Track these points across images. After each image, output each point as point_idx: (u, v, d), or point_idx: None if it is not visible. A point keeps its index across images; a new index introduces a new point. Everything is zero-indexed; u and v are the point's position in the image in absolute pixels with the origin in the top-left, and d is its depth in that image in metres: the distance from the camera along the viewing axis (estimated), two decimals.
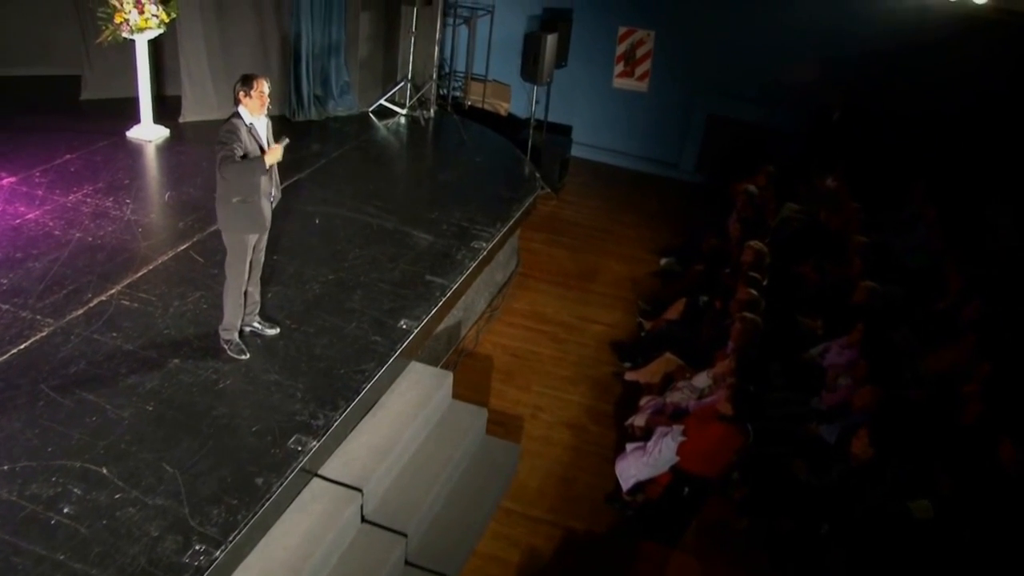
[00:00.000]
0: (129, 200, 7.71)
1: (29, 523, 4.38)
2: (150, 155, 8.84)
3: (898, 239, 8.60)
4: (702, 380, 6.38)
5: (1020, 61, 9.79)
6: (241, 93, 5.29)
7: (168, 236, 7.19)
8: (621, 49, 11.84)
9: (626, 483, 5.99)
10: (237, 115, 5.31)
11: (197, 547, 4.34)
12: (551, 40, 10.13)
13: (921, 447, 5.67)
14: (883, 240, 8.36)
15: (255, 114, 5.36)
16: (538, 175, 9.64)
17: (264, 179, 5.48)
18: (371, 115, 10.46)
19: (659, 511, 5.87)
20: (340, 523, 4.99)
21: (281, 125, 9.74)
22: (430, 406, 6.01)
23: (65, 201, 7.57)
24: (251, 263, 5.71)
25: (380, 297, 6.59)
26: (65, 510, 4.47)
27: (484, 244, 7.53)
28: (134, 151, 8.82)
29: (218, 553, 4.33)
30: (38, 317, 5.93)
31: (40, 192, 7.69)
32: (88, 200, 7.63)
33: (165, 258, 6.85)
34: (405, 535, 5.26)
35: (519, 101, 12.11)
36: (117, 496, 4.59)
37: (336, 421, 5.28)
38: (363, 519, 5.28)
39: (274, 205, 5.68)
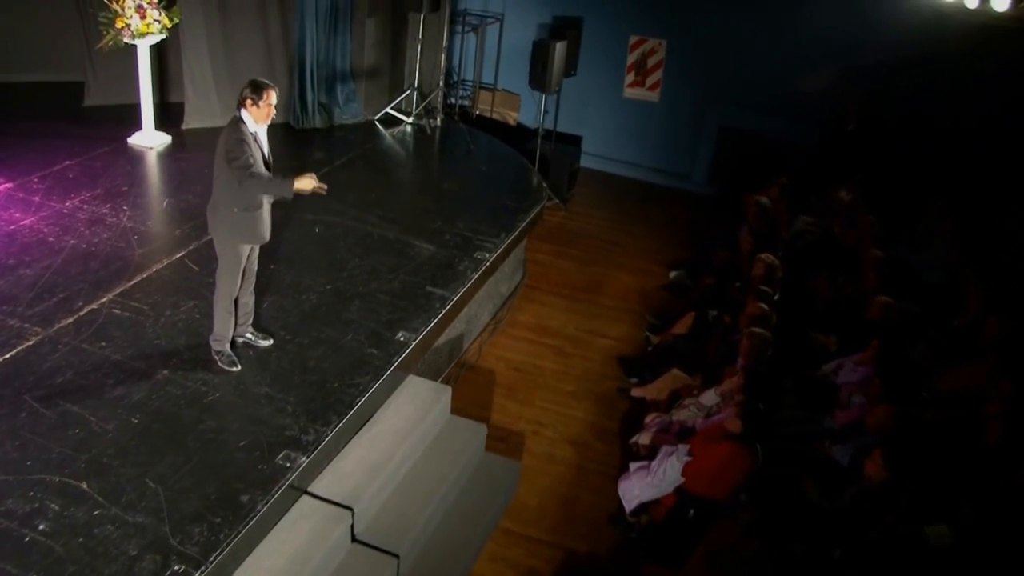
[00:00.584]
0: (126, 207, 7.58)
1: (2, 540, 4.21)
2: (151, 162, 8.72)
3: (915, 253, 8.33)
4: (710, 398, 6.15)
5: None
6: (248, 100, 5.11)
7: (164, 244, 7.05)
8: (632, 58, 11.66)
9: (629, 504, 5.76)
10: (241, 121, 5.13)
11: (176, 567, 4.16)
12: (560, 48, 9.96)
13: (939, 469, 5.42)
14: (899, 254, 8.09)
15: (259, 123, 5.19)
16: (545, 185, 9.46)
17: None
18: (377, 123, 10.31)
19: (663, 533, 5.63)
20: (329, 543, 4.79)
21: (285, 133, 9.65)
22: (427, 421, 5.81)
23: (61, 207, 7.45)
24: (244, 273, 5.54)
25: (378, 308, 6.40)
26: (41, 527, 4.29)
27: (487, 255, 7.35)
28: (134, 158, 8.70)
29: (198, 574, 4.14)
30: (26, 325, 5.79)
31: (37, 198, 7.57)
32: (85, 207, 7.51)
33: (160, 266, 6.70)
34: (397, 556, 5.05)
35: (528, 111, 11.93)
36: (96, 513, 4.41)
37: (327, 436, 5.09)
38: (353, 539, 5.07)
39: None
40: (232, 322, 5.61)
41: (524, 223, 8.14)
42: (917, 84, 9.97)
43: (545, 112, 10.80)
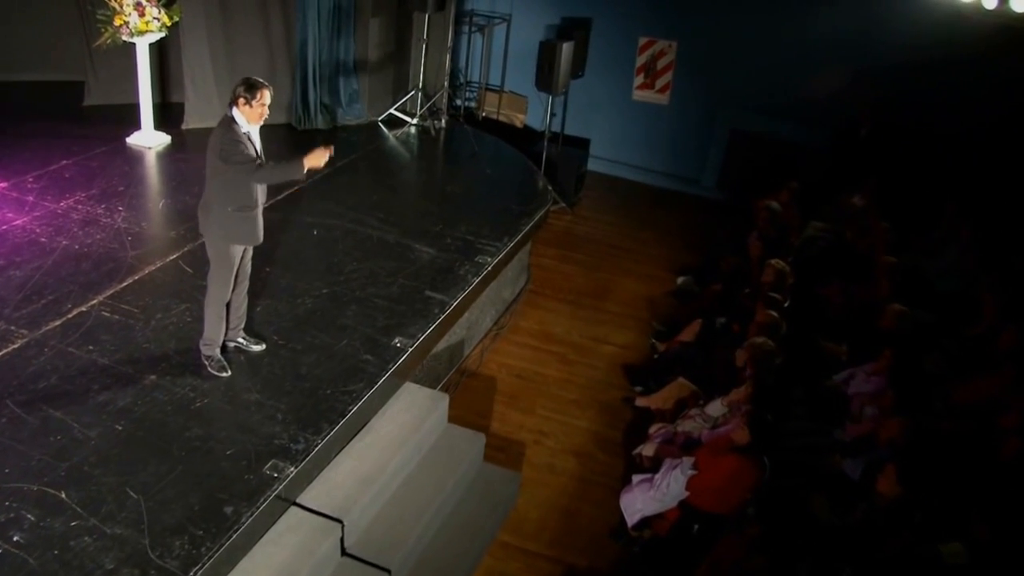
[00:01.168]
0: (122, 208, 7.43)
1: None
2: (149, 162, 8.58)
3: (929, 260, 8.13)
4: (716, 408, 5.94)
5: None
6: (241, 99, 4.95)
7: (158, 245, 6.89)
8: (641, 60, 11.47)
9: (631, 518, 5.55)
10: (234, 121, 4.97)
11: None
12: (567, 48, 9.78)
13: (953, 485, 5.21)
14: (913, 261, 7.89)
15: (251, 123, 5.04)
16: (551, 189, 9.27)
17: (260, 189, 5.17)
18: (380, 125, 10.15)
19: (667, 549, 5.43)
20: (317, 556, 4.61)
21: (287, 134, 9.50)
22: (423, 430, 5.62)
23: (55, 207, 7.30)
24: (237, 276, 5.38)
25: (375, 313, 6.22)
26: (15, 538, 4.12)
27: (489, 259, 7.16)
28: (132, 158, 8.56)
29: None
30: (12, 328, 5.63)
31: (31, 198, 7.43)
32: (79, 207, 7.36)
33: (152, 268, 6.54)
34: (389, 571, 4.86)
35: (535, 113, 11.76)
36: (73, 524, 4.24)
37: (318, 445, 4.91)
38: (343, 552, 4.89)
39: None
40: (223, 327, 5.44)
41: (528, 227, 7.95)
42: (932, 87, 9.76)
43: (552, 114, 10.64)
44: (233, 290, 5.37)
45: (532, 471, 6.35)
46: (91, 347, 5.55)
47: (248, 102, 4.97)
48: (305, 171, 4.99)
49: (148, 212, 7.48)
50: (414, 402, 5.78)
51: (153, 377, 5.33)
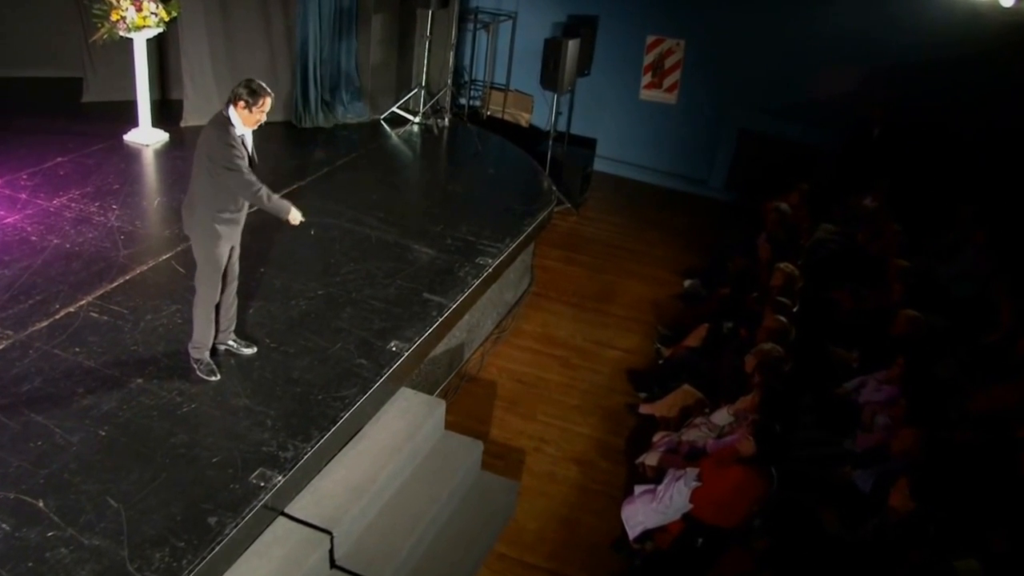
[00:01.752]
0: (116, 206, 7.27)
1: None
2: (145, 160, 8.43)
3: (943, 264, 7.92)
4: (722, 416, 5.74)
5: None
6: (242, 102, 4.78)
7: (151, 245, 6.73)
8: (649, 59, 11.26)
9: (633, 530, 5.35)
10: (230, 122, 4.81)
11: None
12: (572, 46, 9.59)
13: (969, 499, 5.01)
14: (926, 265, 7.68)
15: (246, 127, 4.87)
16: (555, 189, 9.08)
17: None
18: (383, 123, 9.98)
19: (670, 563, 5.23)
20: (304, 569, 4.42)
21: (287, 132, 9.35)
22: (418, 437, 5.44)
23: (48, 206, 7.16)
24: (226, 277, 5.22)
25: (371, 316, 6.05)
26: None
27: (490, 260, 6.98)
28: (129, 155, 8.41)
29: None
30: None
31: (23, 195, 7.29)
32: (72, 205, 7.21)
33: (144, 268, 6.38)
34: None
35: (541, 112, 11.57)
36: (50, 534, 4.07)
37: (307, 453, 4.74)
38: (333, 564, 4.71)
39: None
40: (212, 329, 5.27)
41: (531, 228, 7.76)
42: (946, 87, 9.55)
43: (558, 113, 10.46)
44: (222, 291, 5.21)
45: (532, 479, 6.16)
46: (77, 349, 5.39)
47: (248, 107, 4.80)
48: (285, 219, 4.98)
49: (142, 211, 7.32)
50: (409, 408, 5.60)
51: (140, 381, 5.17)
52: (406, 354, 5.65)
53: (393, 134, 9.82)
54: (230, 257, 5.18)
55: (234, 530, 4.21)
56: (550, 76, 9.73)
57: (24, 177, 7.60)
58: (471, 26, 11.33)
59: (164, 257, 6.53)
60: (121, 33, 8.12)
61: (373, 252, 6.94)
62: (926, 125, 9.54)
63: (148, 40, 8.44)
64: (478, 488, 5.66)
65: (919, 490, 4.72)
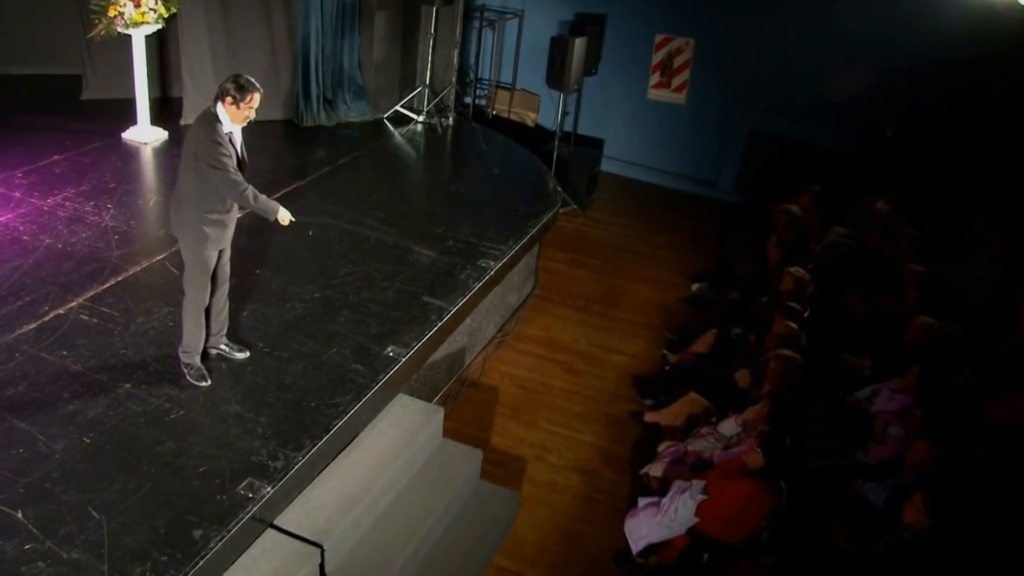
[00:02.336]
0: (111, 205, 7.13)
1: None
2: (143, 158, 8.29)
3: (957, 269, 7.68)
4: (730, 427, 5.55)
5: None
6: (229, 98, 4.61)
7: (145, 245, 6.59)
8: (658, 58, 11.07)
9: (636, 544, 5.16)
10: (217, 119, 4.65)
11: None
12: (579, 44, 9.41)
13: (987, 515, 4.81)
14: (941, 270, 7.46)
15: (234, 123, 4.71)
16: (561, 190, 8.91)
17: None
18: (386, 122, 9.82)
19: None
20: None
21: (288, 130, 9.19)
22: (415, 446, 5.27)
23: (42, 204, 7.02)
24: (216, 279, 5.06)
25: (368, 319, 5.88)
26: None
27: (492, 263, 6.81)
28: (127, 154, 8.28)
29: None
30: None
31: (17, 194, 7.15)
32: (67, 204, 7.08)
33: (137, 269, 6.24)
34: None
35: (548, 112, 11.38)
36: (28, 547, 3.92)
37: (298, 463, 4.57)
38: None
39: None
40: (203, 333, 5.12)
41: (535, 229, 7.59)
42: (961, 88, 9.34)
43: (565, 113, 10.28)
44: (212, 294, 5.05)
45: (533, 489, 5.99)
46: (65, 352, 5.24)
47: (236, 102, 4.63)
48: (272, 220, 4.83)
49: (138, 210, 7.17)
50: (406, 416, 5.43)
51: (128, 386, 5.01)
52: (404, 360, 5.49)
53: (396, 133, 9.66)
54: (220, 259, 5.02)
55: (219, 543, 4.05)
56: (556, 75, 9.54)
57: (19, 175, 7.47)
58: (477, 24, 11.15)
59: (158, 258, 6.38)
60: (119, 29, 7.99)
61: (372, 254, 6.78)
62: (941, 126, 9.33)
63: (148, 37, 8.31)
64: (477, 498, 5.49)
65: (935, 506, 4.52)
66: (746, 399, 5.70)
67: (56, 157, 7.89)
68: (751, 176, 10.97)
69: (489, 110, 11.60)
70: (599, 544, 5.57)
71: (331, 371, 5.30)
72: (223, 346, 5.33)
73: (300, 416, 4.90)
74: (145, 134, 8.51)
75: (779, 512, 4.86)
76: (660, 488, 5.44)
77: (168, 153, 8.37)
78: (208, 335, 5.20)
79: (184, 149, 4.72)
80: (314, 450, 4.68)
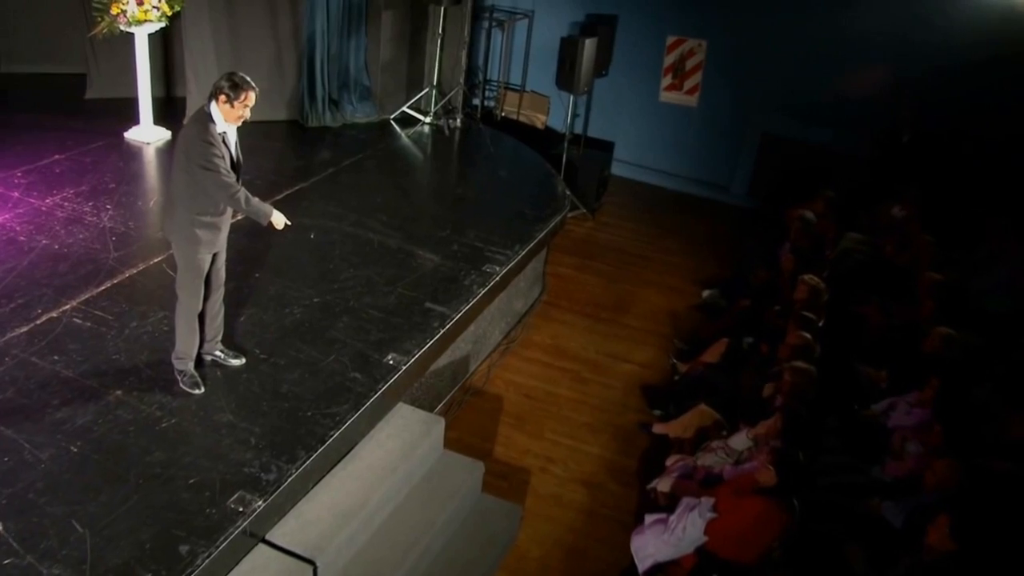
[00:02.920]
0: (110, 206, 7.00)
1: None
2: (145, 158, 8.18)
3: (976, 278, 7.47)
4: (741, 441, 5.35)
5: None
6: (223, 96, 4.48)
7: (143, 247, 6.45)
8: (669, 60, 10.88)
9: (642, 563, 4.97)
10: (210, 118, 4.51)
11: None
12: (589, 45, 9.24)
13: (1012, 537, 4.59)
14: (960, 279, 7.24)
15: (228, 123, 4.56)
16: (570, 193, 8.73)
17: None
18: (393, 123, 9.67)
19: None
20: None
21: (293, 131, 9.05)
22: (414, 458, 5.10)
23: (40, 205, 6.90)
24: (210, 284, 4.90)
25: (368, 326, 5.71)
26: None
27: (498, 268, 6.63)
28: (128, 153, 8.16)
29: None
30: None
31: (16, 194, 7.03)
32: (65, 204, 6.95)
33: (134, 271, 6.10)
34: None
35: (558, 114, 11.21)
36: (7, 561, 3.76)
37: (291, 475, 4.41)
38: None
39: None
40: (196, 339, 4.96)
41: (542, 234, 7.41)
42: (980, 91, 9.12)
43: (575, 115, 10.10)
44: (206, 299, 4.90)
45: (536, 502, 5.80)
46: (56, 357, 5.09)
47: (229, 100, 4.49)
48: (266, 223, 4.71)
49: (137, 211, 7.03)
50: (406, 426, 5.26)
51: (119, 393, 4.86)
52: (404, 368, 5.32)
53: (403, 134, 9.50)
54: (214, 263, 4.87)
55: (207, 560, 3.89)
56: (566, 76, 9.37)
57: (19, 175, 7.35)
58: (486, 24, 10.99)
59: (155, 260, 6.24)
60: (122, 27, 7.87)
61: (374, 258, 6.62)
62: (959, 130, 9.12)
63: (151, 35, 8.20)
64: (478, 512, 5.30)
65: (962, 530, 4.30)
66: (759, 411, 5.49)
67: (57, 156, 7.78)
68: (764, 180, 10.76)
69: (498, 112, 11.44)
70: (604, 561, 5.39)
71: (329, 379, 5.14)
72: (218, 352, 5.17)
73: (295, 426, 4.74)
74: (147, 134, 8.40)
75: (791, 532, 4.67)
76: (668, 504, 5.25)
77: (171, 153, 8.16)
78: (202, 341, 5.05)
79: (176, 149, 4.59)
80: (308, 462, 4.52)
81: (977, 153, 9.04)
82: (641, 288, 8.80)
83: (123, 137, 8.39)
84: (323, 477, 4.72)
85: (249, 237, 6.34)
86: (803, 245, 7.92)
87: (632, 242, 9.84)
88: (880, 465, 5.35)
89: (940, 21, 9.21)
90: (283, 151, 8.52)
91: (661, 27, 10.76)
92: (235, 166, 4.66)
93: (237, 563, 4.17)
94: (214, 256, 4.81)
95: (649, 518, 5.11)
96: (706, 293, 8.57)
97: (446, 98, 9.74)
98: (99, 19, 7.86)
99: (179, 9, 8.15)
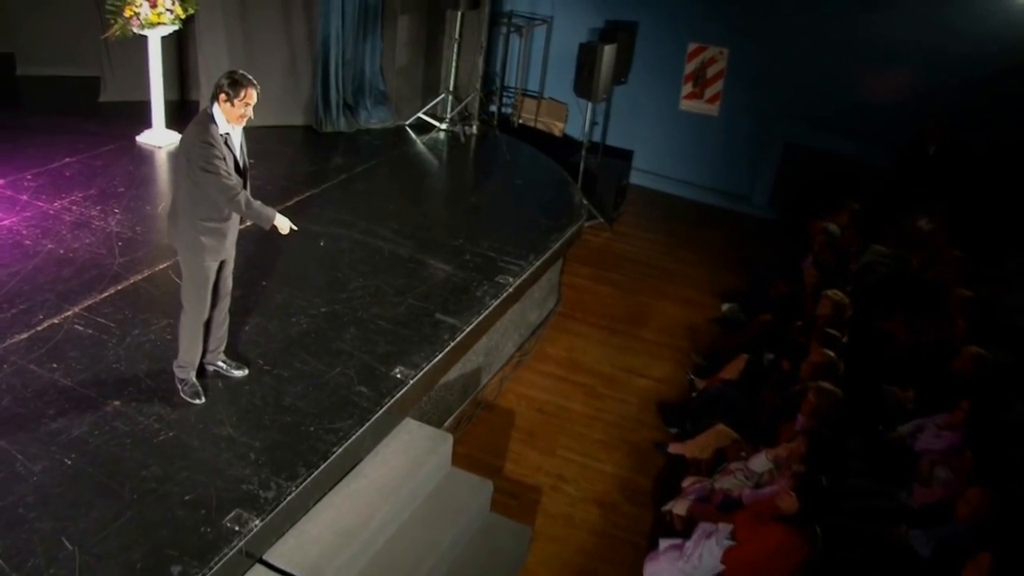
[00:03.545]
0: (118, 210, 6.90)
1: None
2: (156, 162, 8.07)
3: (1010, 295, 7.20)
4: (761, 463, 5.13)
5: None
6: (223, 95, 4.35)
7: (149, 253, 6.33)
8: (690, 68, 10.67)
9: None
10: (212, 120, 4.37)
11: None
12: (608, 52, 9.05)
13: None
14: (991, 295, 6.99)
15: (231, 123, 4.41)
16: (587, 203, 8.54)
17: None
18: (408, 129, 9.52)
19: None
20: None
21: (307, 136, 8.92)
22: (420, 475, 4.91)
23: (48, 208, 6.81)
24: (217, 292, 4.76)
25: (376, 337, 5.55)
26: None
27: (511, 279, 6.46)
28: (140, 157, 8.06)
29: None
30: None
31: (24, 197, 6.95)
32: (73, 208, 6.86)
33: (138, 278, 5.98)
34: None
35: (576, 122, 11.02)
36: None
37: (291, 493, 4.25)
38: None
39: None
40: (200, 348, 4.82)
41: (557, 244, 7.23)
42: (1009, 100, 8.86)
43: (593, 123, 9.92)
44: (212, 308, 4.76)
45: (547, 522, 5.60)
46: (55, 365, 4.97)
47: (229, 99, 4.36)
48: (269, 227, 4.53)
49: (145, 216, 6.92)
50: (412, 442, 5.08)
51: (117, 403, 4.72)
52: (411, 382, 5.15)
53: (418, 141, 9.36)
54: (221, 271, 4.73)
55: None
56: (584, 83, 9.20)
57: (28, 177, 7.27)
58: (504, 30, 10.83)
59: (161, 266, 6.11)
60: (135, 30, 7.79)
61: (384, 267, 6.46)
62: (988, 140, 8.86)
63: (165, 38, 8.14)
64: (485, 533, 5.11)
65: (1006, 571, 4.05)
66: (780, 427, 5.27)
67: (67, 159, 7.70)
68: (786, 191, 10.51)
69: (515, 119, 11.27)
70: None
71: (333, 393, 4.98)
72: (221, 362, 5.03)
73: (297, 441, 4.58)
74: (160, 137, 8.31)
75: (813, 563, 4.44)
76: (684, 528, 5.04)
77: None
78: (206, 351, 4.91)
79: (177, 152, 4.44)
80: (309, 479, 4.36)
81: (1007, 164, 8.78)
82: (658, 300, 8.59)
83: (135, 141, 8.30)
84: (325, 495, 4.55)
85: (257, 243, 6.22)
86: (826, 258, 7.68)
87: (650, 253, 9.63)
88: (907, 490, 5.11)
89: (968, 29, 8.97)
90: (296, 156, 8.39)
91: (682, 34, 10.55)
92: (240, 169, 4.52)
93: None
94: (221, 264, 4.67)
95: (664, 543, 4.90)
96: (725, 307, 8.34)
97: (462, 104, 9.59)
98: (112, 21, 7.77)
99: (193, 12, 8.06)
